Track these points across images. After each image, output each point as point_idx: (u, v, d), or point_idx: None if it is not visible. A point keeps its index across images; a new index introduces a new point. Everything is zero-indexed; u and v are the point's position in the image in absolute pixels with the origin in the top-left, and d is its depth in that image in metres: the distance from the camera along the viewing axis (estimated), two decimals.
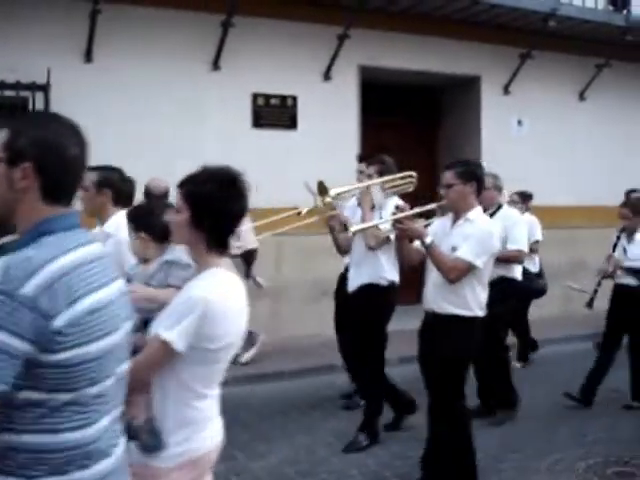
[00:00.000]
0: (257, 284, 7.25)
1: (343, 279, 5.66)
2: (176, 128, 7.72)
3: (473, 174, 4.21)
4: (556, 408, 6.07)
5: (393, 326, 5.30)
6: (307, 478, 4.65)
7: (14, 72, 6.75)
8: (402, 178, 5.11)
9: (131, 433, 2.03)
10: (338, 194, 4.67)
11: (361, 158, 6.03)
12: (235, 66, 8.10)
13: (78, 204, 2.54)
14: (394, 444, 5.19)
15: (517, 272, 5.87)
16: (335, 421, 5.75)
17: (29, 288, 1.50)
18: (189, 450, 2.26)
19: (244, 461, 4.88)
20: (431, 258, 4.11)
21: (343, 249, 5.41)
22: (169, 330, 2.18)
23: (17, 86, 6.84)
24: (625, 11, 9.65)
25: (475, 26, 9.23)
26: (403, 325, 5.48)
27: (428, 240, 4.04)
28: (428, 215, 4.53)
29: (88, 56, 7.43)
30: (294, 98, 8.56)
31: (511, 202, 6.98)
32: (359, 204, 5.10)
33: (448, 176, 4.18)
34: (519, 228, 5.80)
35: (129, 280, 3.06)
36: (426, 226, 4.28)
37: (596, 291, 6.23)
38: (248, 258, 6.96)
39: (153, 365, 2.22)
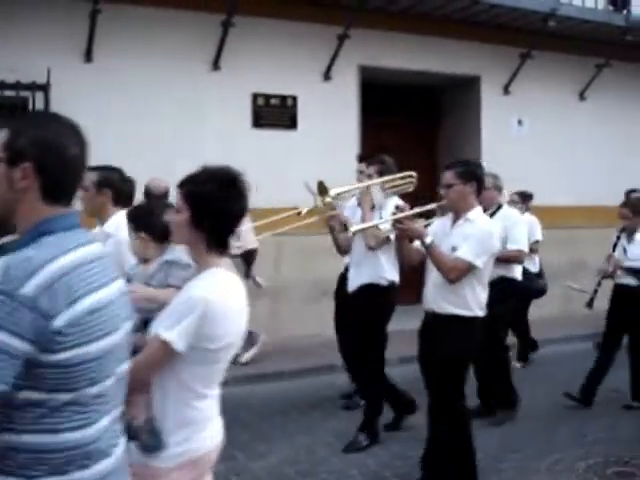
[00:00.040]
0: (257, 284, 7.25)
1: (343, 279, 5.66)
2: (176, 128, 7.72)
3: (473, 174, 4.21)
4: (556, 408, 6.07)
5: (393, 326, 5.30)
6: (307, 478, 4.65)
7: (14, 72, 6.74)
8: (402, 178, 5.10)
9: (131, 433, 2.03)
10: (338, 194, 4.67)
11: (361, 158, 6.02)
12: (235, 66, 8.10)
13: (78, 204, 2.54)
14: (394, 444, 5.19)
15: (517, 272, 5.87)
16: (335, 421, 5.74)
17: (29, 288, 1.49)
18: (189, 450, 2.26)
19: (244, 461, 4.88)
20: (431, 258, 4.11)
21: (343, 249, 5.40)
22: (169, 330, 2.18)
23: (17, 86, 6.84)
24: (625, 11, 9.65)
25: (475, 26, 9.23)
26: (403, 325, 5.47)
27: (428, 240, 4.04)
28: (428, 215, 4.53)
29: (88, 56, 7.43)
30: (294, 98, 8.56)
31: (511, 202, 6.98)
32: (359, 204, 5.10)
33: (448, 176, 4.18)
34: (519, 228, 5.79)
35: (129, 280, 3.06)
36: (426, 226, 4.28)
37: (596, 291, 6.22)
38: (248, 258, 6.96)
39: (153, 365, 2.21)
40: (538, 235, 7.55)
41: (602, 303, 6.18)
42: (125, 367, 1.79)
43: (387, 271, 5.09)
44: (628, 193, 8.12)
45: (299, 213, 5.02)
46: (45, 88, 6.93)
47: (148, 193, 5.85)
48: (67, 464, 1.60)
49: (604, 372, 6.11)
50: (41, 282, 1.51)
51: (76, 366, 1.57)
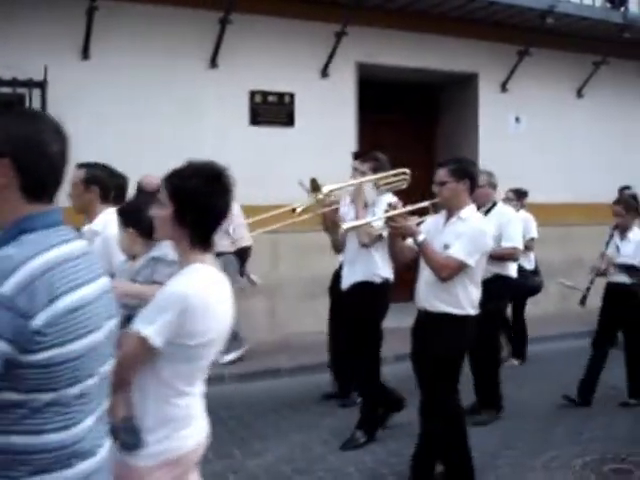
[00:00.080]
0: (251, 281, 7.24)
1: (337, 276, 5.65)
2: (173, 126, 7.70)
3: (466, 172, 4.21)
4: (552, 405, 6.07)
5: (388, 323, 5.29)
6: (304, 476, 4.64)
7: (11, 69, 6.72)
8: (395, 175, 5.09)
9: (110, 431, 2.02)
10: (331, 191, 4.66)
11: (356, 155, 6.01)
12: (233, 63, 8.09)
13: (66, 201, 2.54)
14: (391, 441, 5.18)
15: (512, 270, 5.87)
16: (331, 418, 5.74)
17: (7, 287, 1.47)
18: (170, 448, 2.24)
19: (241, 459, 4.88)
20: (423, 256, 4.10)
21: (339, 247, 5.40)
22: (147, 326, 2.17)
23: (14, 83, 6.82)
24: (623, 8, 9.63)
25: (472, 23, 9.22)
26: (398, 322, 5.45)
27: (420, 238, 4.03)
28: (421, 213, 4.52)
29: (85, 53, 7.41)
30: (291, 95, 8.55)
31: (506, 199, 6.99)
32: (352, 201, 5.10)
33: (441, 173, 4.18)
34: (514, 225, 5.80)
35: (112, 276, 3.06)
36: (419, 224, 4.28)
37: (589, 288, 6.19)
38: (242, 255, 6.93)
39: (131, 362, 2.18)
40: (533, 232, 7.55)
41: (597, 300, 6.18)
42: (109, 366, 1.77)
43: (381, 268, 5.07)
44: (621, 190, 8.12)
45: (294, 210, 5.02)
46: (42, 85, 6.92)
47: (140, 189, 5.85)
48: (51, 464, 1.58)
49: (599, 370, 6.09)
50: (20, 280, 1.48)
51: (57, 365, 1.54)
